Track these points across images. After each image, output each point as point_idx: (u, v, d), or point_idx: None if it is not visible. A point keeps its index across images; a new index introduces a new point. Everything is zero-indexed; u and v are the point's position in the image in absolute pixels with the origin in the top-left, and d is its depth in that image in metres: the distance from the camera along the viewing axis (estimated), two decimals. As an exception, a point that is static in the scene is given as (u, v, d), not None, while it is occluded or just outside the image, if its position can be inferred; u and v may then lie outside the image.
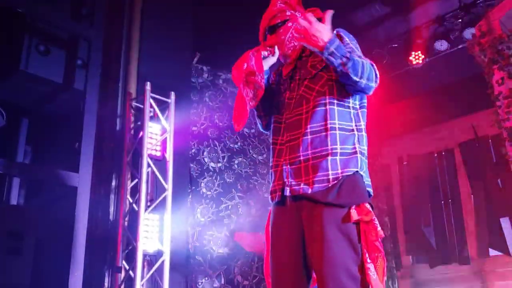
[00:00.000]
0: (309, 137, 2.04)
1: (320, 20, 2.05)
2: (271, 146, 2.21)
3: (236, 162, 5.38)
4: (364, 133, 2.11)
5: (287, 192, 2.04)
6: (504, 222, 6.11)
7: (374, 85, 2.02)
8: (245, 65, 2.09)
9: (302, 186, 2.00)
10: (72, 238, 3.62)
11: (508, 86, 4.41)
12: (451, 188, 6.74)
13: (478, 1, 5.54)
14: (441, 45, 5.94)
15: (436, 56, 6.08)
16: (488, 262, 6.24)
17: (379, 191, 7.15)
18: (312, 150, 2.02)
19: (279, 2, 2.27)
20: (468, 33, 5.50)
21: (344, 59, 1.92)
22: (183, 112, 4.68)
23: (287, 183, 2.04)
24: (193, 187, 4.88)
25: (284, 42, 2.20)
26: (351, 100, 2.10)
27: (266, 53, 2.17)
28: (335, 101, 2.07)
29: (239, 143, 5.52)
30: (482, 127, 6.36)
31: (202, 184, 4.97)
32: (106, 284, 3.92)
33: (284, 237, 2.07)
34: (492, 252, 6.23)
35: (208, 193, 4.98)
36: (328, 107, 2.05)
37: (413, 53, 6.09)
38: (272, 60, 2.20)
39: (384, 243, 6.65)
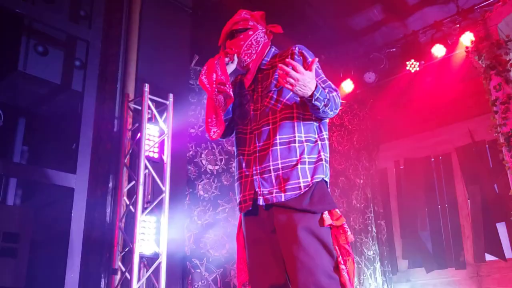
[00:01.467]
0: (278, 147, 2.13)
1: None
2: (237, 158, 2.30)
3: (234, 164, 5.37)
4: (326, 142, 2.24)
5: (261, 201, 2.10)
6: (500, 227, 6.13)
7: (338, 110, 2.18)
8: (214, 76, 2.17)
9: (275, 194, 2.08)
10: (68, 239, 3.61)
11: (506, 91, 4.42)
12: (447, 192, 6.76)
13: (476, 7, 5.57)
14: (439, 50, 5.96)
15: (434, 61, 6.10)
16: (484, 267, 6.25)
17: (375, 195, 7.15)
18: (282, 160, 2.11)
19: (244, 12, 2.39)
20: (466, 38, 5.52)
21: (326, 101, 2.06)
22: (181, 114, 4.68)
23: (259, 192, 2.11)
24: (190, 190, 4.87)
25: (242, 48, 2.30)
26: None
27: (227, 59, 2.26)
28: (301, 115, 2.19)
29: (236, 146, 5.52)
30: (479, 132, 6.38)
31: (200, 187, 4.96)
32: (102, 286, 3.90)
33: (261, 244, 2.14)
34: (488, 257, 6.24)
35: (206, 195, 4.97)
36: (295, 120, 2.17)
37: (408, 63, 6.06)
38: (231, 67, 2.29)
39: (380, 246, 6.69)
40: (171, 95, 4.41)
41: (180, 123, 4.63)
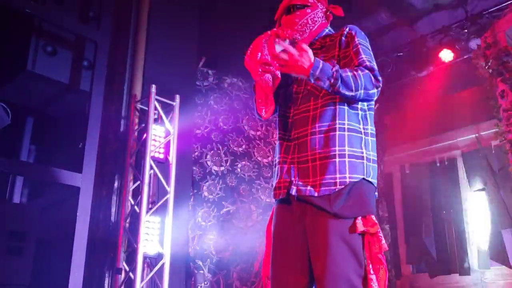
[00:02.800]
0: (317, 136, 2.00)
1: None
2: (278, 141, 2.16)
3: (240, 166, 5.39)
4: (371, 138, 2.07)
5: (294, 191, 2.00)
6: (506, 233, 6.09)
7: (374, 91, 2.00)
8: (259, 55, 2.02)
9: (308, 187, 1.96)
10: (73, 238, 3.64)
11: (510, 98, 4.41)
12: (453, 198, 6.73)
13: (485, 12, 5.55)
14: (446, 55, 5.94)
15: (441, 65, 6.08)
16: (488, 274, 6.22)
17: (380, 199, 7.13)
18: (319, 150, 1.98)
19: None
20: (474, 43, 5.51)
21: (332, 80, 1.90)
22: (187, 115, 4.71)
23: (294, 182, 2.01)
24: (195, 191, 4.89)
25: (296, 25, 2.18)
26: (359, 102, 2.06)
27: (276, 40, 2.09)
28: (345, 101, 2.03)
29: (243, 146, 5.53)
30: (485, 137, 6.35)
31: (204, 188, 4.99)
32: (106, 285, 3.94)
33: (288, 239, 2.03)
34: (493, 264, 6.20)
35: (210, 196, 4.99)
36: (337, 106, 2.02)
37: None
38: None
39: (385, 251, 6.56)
40: (177, 96, 4.44)
41: (186, 124, 4.66)
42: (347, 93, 1.93)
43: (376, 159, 2.08)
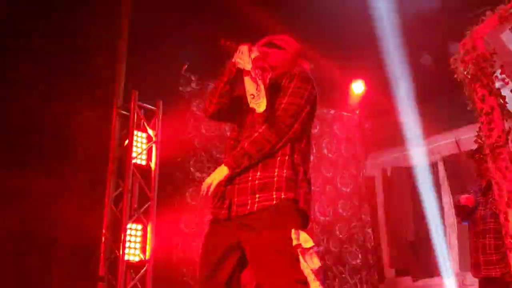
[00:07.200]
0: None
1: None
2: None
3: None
4: (305, 168, 2.18)
5: (233, 211, 2.09)
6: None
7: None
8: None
9: (248, 206, 2.05)
10: (55, 246, 3.59)
11: (489, 103, 4.47)
12: (434, 201, 6.80)
13: (463, 17, 5.62)
14: (426, 59, 6.02)
15: (419, 70, 6.16)
16: (470, 276, 6.28)
17: (363, 203, 7.19)
18: (261, 172, 2.09)
19: (286, 38, 2.37)
20: (453, 48, 5.58)
21: None
22: (170, 121, 4.68)
23: (233, 202, 2.10)
24: (178, 197, 4.86)
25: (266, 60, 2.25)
26: None
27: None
28: None
29: (225, 153, 5.51)
30: (465, 142, 6.44)
31: (187, 194, 4.96)
32: (87, 294, 3.89)
33: (217, 246, 2.11)
34: (474, 266, 6.28)
35: (193, 203, 4.96)
36: None
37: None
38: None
39: (367, 255, 6.64)
40: (160, 102, 4.42)
41: (168, 130, 4.63)
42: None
43: (308, 189, 2.16)
